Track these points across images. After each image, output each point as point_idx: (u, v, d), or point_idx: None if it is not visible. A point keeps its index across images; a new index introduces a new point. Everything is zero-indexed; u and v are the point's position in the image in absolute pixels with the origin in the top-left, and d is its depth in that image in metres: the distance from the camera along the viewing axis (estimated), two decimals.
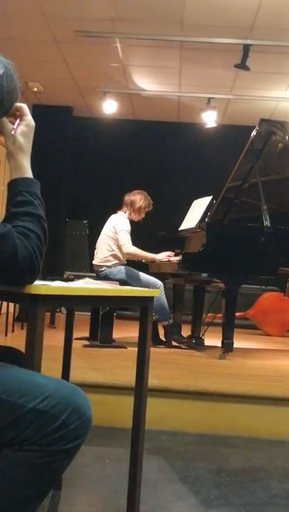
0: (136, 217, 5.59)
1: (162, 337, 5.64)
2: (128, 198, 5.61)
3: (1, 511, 1.39)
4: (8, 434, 1.38)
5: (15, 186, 1.59)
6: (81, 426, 1.42)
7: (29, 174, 1.62)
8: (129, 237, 5.41)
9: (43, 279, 1.65)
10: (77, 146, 9.46)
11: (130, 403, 2.10)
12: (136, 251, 5.44)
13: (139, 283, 5.27)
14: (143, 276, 5.43)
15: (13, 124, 1.62)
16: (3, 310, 5.65)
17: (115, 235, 5.45)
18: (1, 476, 1.39)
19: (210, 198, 5.52)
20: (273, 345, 6.55)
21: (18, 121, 1.63)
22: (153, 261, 5.56)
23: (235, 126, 8.82)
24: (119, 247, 5.42)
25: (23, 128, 1.63)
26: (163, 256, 5.45)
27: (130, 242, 5.40)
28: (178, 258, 5.15)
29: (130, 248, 5.39)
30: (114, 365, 4.29)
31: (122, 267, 5.46)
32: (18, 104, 1.63)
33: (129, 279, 5.31)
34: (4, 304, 5.62)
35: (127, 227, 5.46)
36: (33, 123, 1.65)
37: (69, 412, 1.40)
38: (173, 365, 4.57)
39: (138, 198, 5.57)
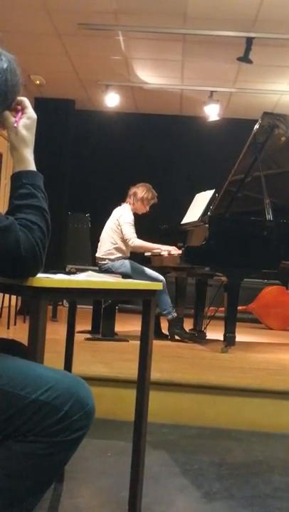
0: (140, 209, 5.59)
1: (164, 330, 5.64)
2: (131, 190, 5.63)
3: (4, 503, 1.40)
4: (11, 426, 1.38)
5: (18, 179, 1.59)
6: (84, 417, 1.42)
7: (32, 167, 1.61)
8: (133, 230, 5.41)
9: (45, 272, 1.65)
10: (80, 139, 9.45)
11: (132, 396, 2.11)
12: (142, 244, 5.46)
13: (142, 277, 5.27)
14: (145, 270, 5.43)
15: (14, 117, 1.62)
16: (6, 303, 5.66)
17: (119, 227, 5.46)
18: (4, 468, 1.39)
19: (212, 191, 5.51)
20: (275, 339, 6.56)
21: (20, 114, 1.63)
22: (158, 252, 5.53)
23: (238, 119, 8.80)
24: (125, 241, 5.42)
25: (26, 121, 1.63)
26: (168, 248, 5.42)
27: (135, 236, 5.40)
28: (179, 252, 5.14)
29: (136, 242, 5.40)
30: (117, 359, 4.30)
31: (125, 261, 5.46)
32: (19, 98, 1.63)
33: (131, 272, 5.31)
34: (6, 296, 5.63)
35: (131, 219, 5.46)
36: (34, 116, 1.65)
37: (72, 403, 1.40)
38: (175, 358, 4.58)
39: (141, 190, 5.58)
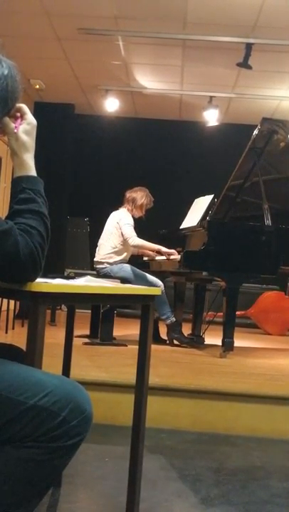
0: (137, 214, 5.61)
1: (163, 335, 5.64)
2: (129, 194, 5.63)
3: (2, 508, 1.40)
4: (9, 431, 1.38)
5: (18, 184, 1.60)
6: (82, 422, 1.42)
7: (33, 172, 1.62)
8: (133, 230, 5.43)
9: (44, 276, 1.65)
10: (79, 143, 9.45)
11: (130, 401, 2.10)
12: (142, 243, 5.46)
13: (140, 281, 5.27)
14: (144, 274, 5.44)
15: (14, 123, 1.63)
16: (4, 307, 5.65)
17: (119, 231, 5.46)
18: (2, 473, 1.39)
19: (211, 196, 5.52)
20: (274, 344, 6.56)
21: (19, 120, 1.63)
22: (158, 252, 5.53)
23: (237, 124, 8.82)
24: (125, 241, 5.43)
25: (26, 126, 1.64)
26: (168, 251, 5.42)
27: (135, 235, 5.41)
28: (178, 256, 5.15)
29: (136, 240, 5.41)
30: (115, 363, 4.29)
31: (124, 265, 5.46)
32: (18, 105, 1.64)
33: (130, 277, 5.32)
34: (5, 300, 5.62)
35: (130, 221, 5.49)
36: (34, 121, 1.66)
37: (70, 409, 1.41)
38: (173, 363, 4.58)
39: (139, 195, 5.59)
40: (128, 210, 5.59)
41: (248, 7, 5.76)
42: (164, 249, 5.45)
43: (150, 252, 5.67)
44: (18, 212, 1.55)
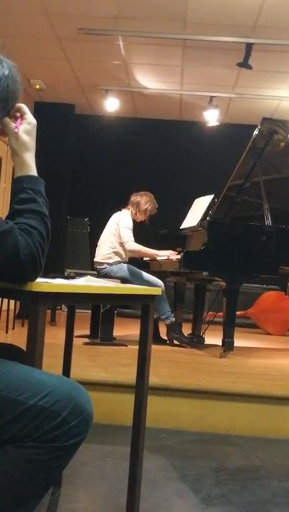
0: (140, 218, 5.61)
1: (163, 335, 5.64)
2: (134, 198, 5.62)
3: (2, 507, 1.40)
4: (10, 431, 1.38)
5: (19, 184, 1.60)
6: (82, 423, 1.42)
7: (33, 172, 1.62)
8: (131, 234, 5.43)
9: (44, 276, 1.65)
10: (79, 143, 9.45)
11: (131, 401, 2.10)
12: (139, 248, 5.46)
13: (140, 281, 5.27)
14: (144, 274, 5.44)
15: (14, 123, 1.63)
16: (4, 307, 5.65)
17: (118, 231, 5.46)
18: (2, 473, 1.39)
19: (211, 196, 5.52)
20: (274, 344, 6.56)
21: (19, 120, 1.63)
22: (155, 257, 5.56)
23: (237, 124, 8.82)
24: (122, 244, 5.43)
25: (26, 126, 1.64)
26: (165, 253, 5.44)
27: (132, 239, 5.41)
28: (178, 256, 5.15)
29: (133, 245, 5.41)
30: (115, 363, 4.29)
31: (124, 265, 5.46)
32: (18, 105, 1.64)
33: (130, 277, 5.32)
34: (5, 300, 5.63)
35: (130, 224, 5.48)
36: (34, 121, 1.66)
37: (70, 409, 1.41)
38: (173, 363, 4.58)
39: (144, 200, 5.58)
40: (131, 212, 5.59)
41: (248, 7, 5.76)
42: (160, 252, 5.46)
43: None
44: (19, 212, 1.55)
